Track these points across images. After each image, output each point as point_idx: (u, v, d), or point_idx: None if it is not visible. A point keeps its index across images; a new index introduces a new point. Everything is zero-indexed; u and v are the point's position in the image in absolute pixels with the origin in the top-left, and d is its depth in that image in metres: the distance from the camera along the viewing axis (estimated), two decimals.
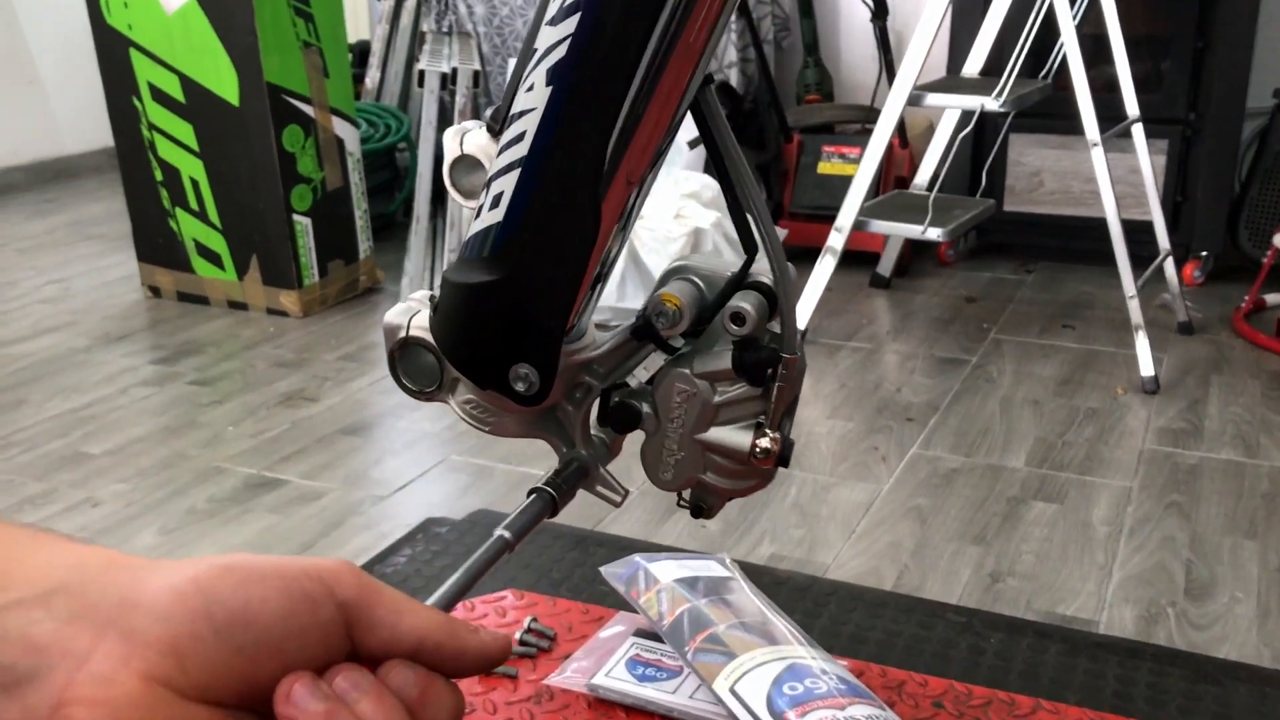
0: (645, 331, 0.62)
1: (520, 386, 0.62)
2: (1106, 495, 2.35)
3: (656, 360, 0.63)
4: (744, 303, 0.59)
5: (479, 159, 0.82)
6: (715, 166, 0.61)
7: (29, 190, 5.03)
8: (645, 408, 0.63)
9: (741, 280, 0.61)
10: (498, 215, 0.59)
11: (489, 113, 0.81)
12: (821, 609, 0.90)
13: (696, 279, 0.62)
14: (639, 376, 0.64)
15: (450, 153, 0.84)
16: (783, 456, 0.61)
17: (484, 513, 1.15)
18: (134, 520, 2.29)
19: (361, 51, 4.52)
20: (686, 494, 0.66)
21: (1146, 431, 2.64)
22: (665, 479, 0.64)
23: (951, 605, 0.90)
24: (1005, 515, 2.27)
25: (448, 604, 0.52)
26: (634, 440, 0.65)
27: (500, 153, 0.60)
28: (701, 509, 0.66)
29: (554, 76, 0.55)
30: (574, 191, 0.58)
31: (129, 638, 0.37)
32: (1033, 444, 2.58)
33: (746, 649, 0.75)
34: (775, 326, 0.61)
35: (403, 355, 0.67)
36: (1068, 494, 2.36)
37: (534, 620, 0.89)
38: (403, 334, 0.65)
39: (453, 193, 0.86)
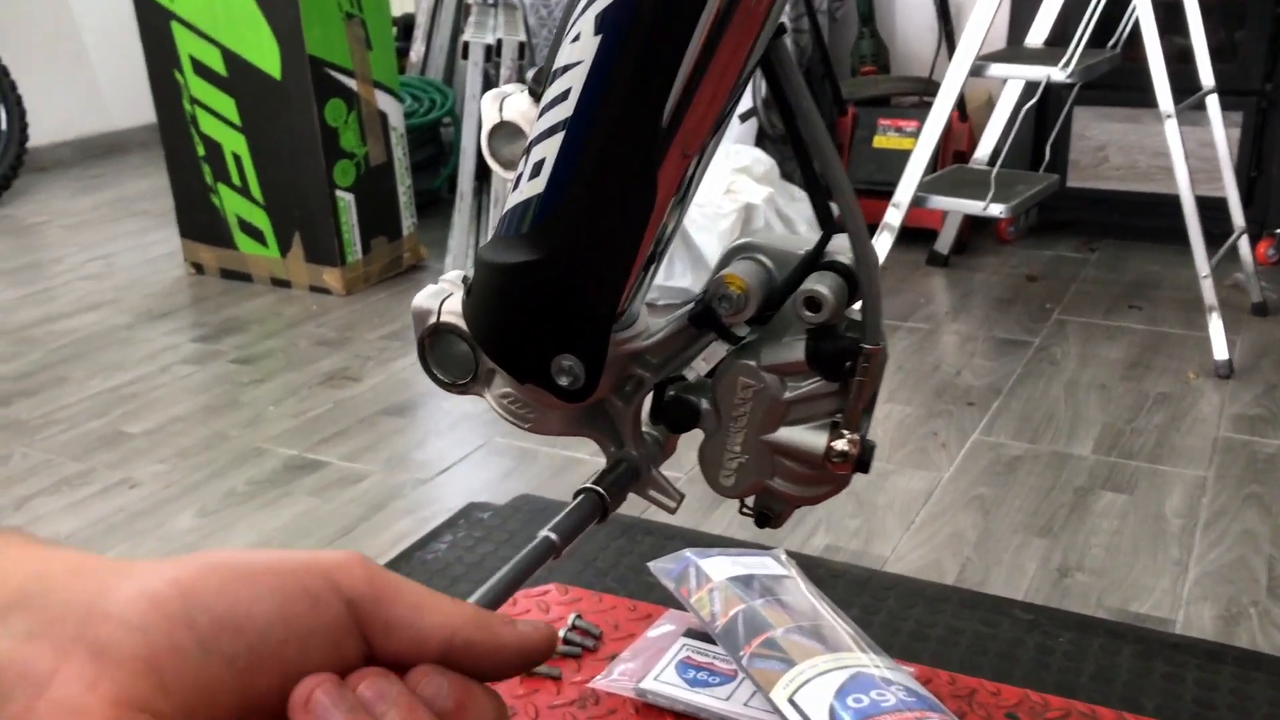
0: (705, 318, 0.54)
1: (564, 380, 0.55)
2: (1180, 486, 2.24)
3: (718, 351, 0.56)
4: (820, 285, 0.52)
5: (520, 125, 0.74)
6: (787, 128, 0.53)
7: (76, 166, 5.02)
8: (704, 404, 0.56)
9: (816, 260, 0.54)
10: (539, 185, 0.52)
11: (531, 74, 0.73)
12: (880, 604, 0.86)
13: (764, 259, 0.55)
14: (698, 369, 0.57)
15: (489, 119, 0.76)
16: (861, 461, 0.54)
17: (527, 498, 1.11)
18: (172, 502, 2.24)
19: (405, 25, 4.46)
20: (750, 499, 0.59)
21: (1221, 418, 2.52)
22: (726, 485, 0.58)
23: (1017, 602, 0.85)
24: (1072, 506, 2.17)
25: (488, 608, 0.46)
26: (688, 440, 0.59)
27: (541, 115, 0.53)
28: (767, 517, 0.59)
29: (604, 23, 0.48)
30: (626, 156, 0.51)
31: (98, 655, 0.32)
32: (1100, 430, 2.47)
33: (806, 656, 0.71)
34: (854, 313, 0.54)
35: (433, 343, 0.60)
36: (1138, 484, 2.24)
37: (578, 617, 0.85)
38: (433, 320, 0.59)
39: (492, 163, 0.78)
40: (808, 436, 0.55)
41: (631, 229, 0.52)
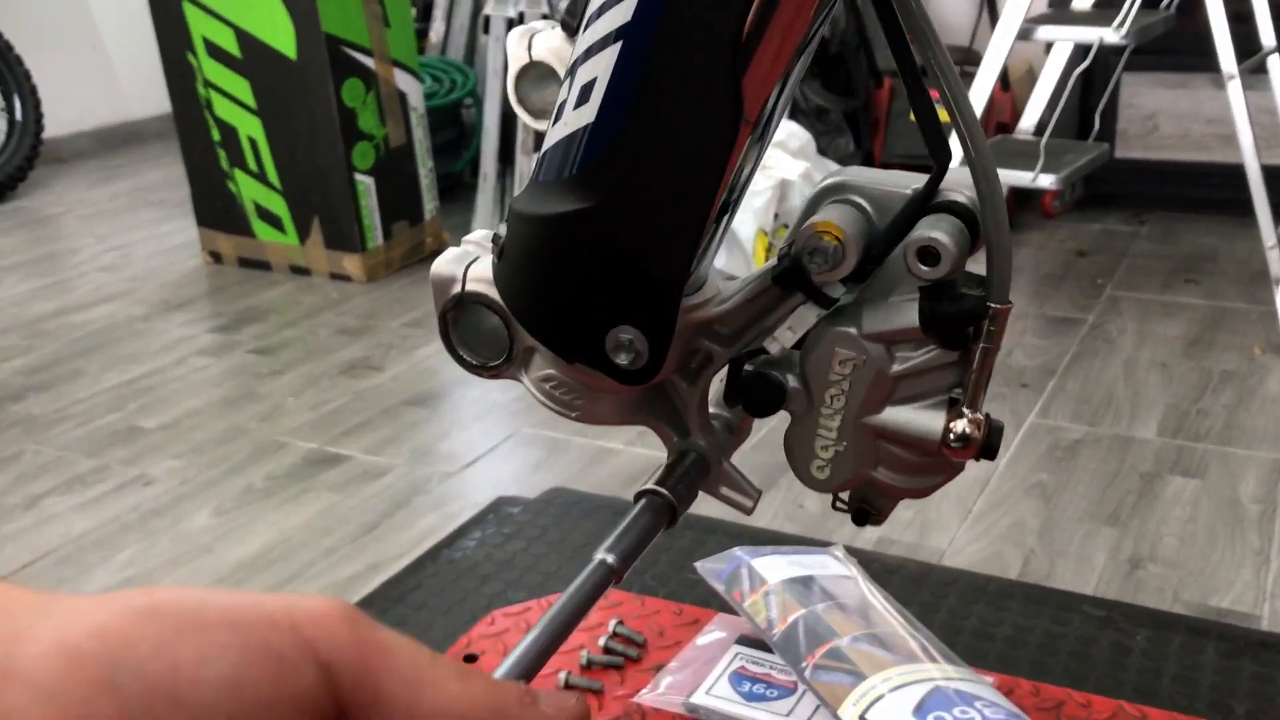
0: (793, 277, 0.44)
1: (622, 359, 0.44)
2: (1254, 469, 2.10)
3: (806, 317, 0.45)
4: (936, 231, 0.41)
5: (553, 65, 0.63)
6: (887, 31, 0.41)
7: (94, 157, 4.94)
8: (792, 381, 0.47)
9: (928, 200, 0.43)
10: (588, 113, 0.41)
11: (564, 5, 0.63)
12: (940, 601, 0.81)
13: (862, 201, 0.44)
14: (782, 339, 0.45)
15: (516, 60, 0.65)
16: (988, 445, 0.45)
17: (559, 490, 1.06)
18: (188, 500, 2.14)
19: (425, 4, 4.35)
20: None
21: None
22: (820, 478, 0.48)
23: (1088, 596, 0.81)
24: (1140, 492, 2.04)
25: (527, 670, 0.37)
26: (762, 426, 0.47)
27: (586, 29, 0.42)
28: (866, 513, 0.50)
29: None
30: (705, 61, 0.40)
31: None
32: (1164, 412, 2.33)
33: (878, 668, 0.65)
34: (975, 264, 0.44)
35: (458, 317, 0.49)
36: (1209, 468, 2.11)
37: (620, 623, 0.79)
38: (457, 289, 0.48)
39: (520, 110, 0.67)
40: (921, 418, 0.45)
41: (710, 160, 0.40)
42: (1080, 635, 0.77)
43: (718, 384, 0.49)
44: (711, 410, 0.50)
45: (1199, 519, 1.94)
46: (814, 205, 0.45)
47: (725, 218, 0.45)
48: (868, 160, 3.63)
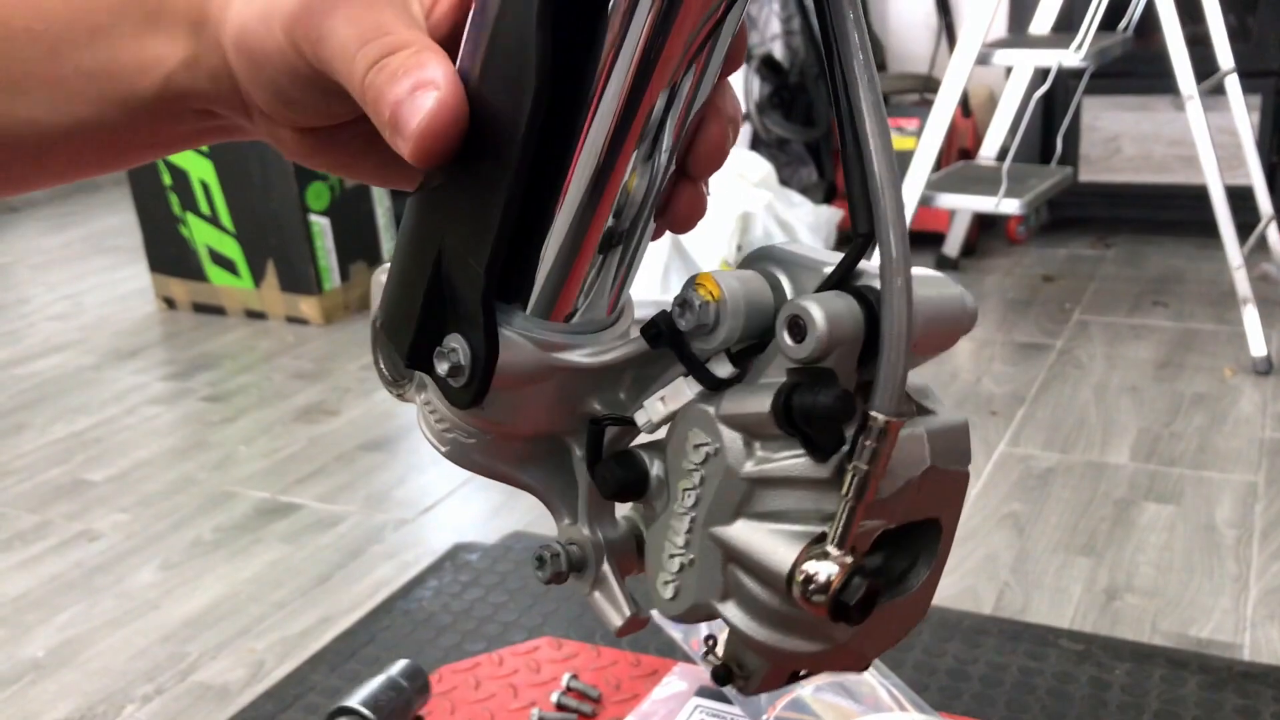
0: (659, 331, 0.36)
1: (443, 368, 0.37)
2: (1229, 493, 2.05)
3: (681, 391, 0.37)
4: (812, 303, 0.33)
5: None
6: (830, 79, 0.35)
7: (48, 204, 4.86)
8: (657, 468, 0.38)
9: (844, 278, 0.35)
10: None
11: None
12: (913, 640, 0.80)
13: (776, 270, 0.37)
14: (650, 412, 0.37)
15: None
16: (840, 604, 0.33)
17: (518, 535, 1.04)
18: (134, 555, 2.06)
19: None
20: (708, 631, 0.42)
21: (1265, 418, 2.34)
22: (665, 596, 0.37)
23: (1064, 630, 0.80)
24: (1114, 520, 1.99)
25: None
26: None
27: None
28: (729, 671, 0.39)
29: None
30: (517, 20, 0.33)
31: None
32: (1136, 436, 2.29)
33: (841, 718, 0.66)
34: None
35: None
36: (1183, 493, 2.06)
37: (573, 678, 0.78)
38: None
39: None
40: (772, 542, 0.34)
41: (513, 133, 0.33)
42: (1058, 671, 0.75)
43: None
44: (628, 513, 0.42)
45: (1175, 546, 1.90)
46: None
47: (623, 247, 0.38)
48: (831, 191, 3.59)
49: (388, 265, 0.43)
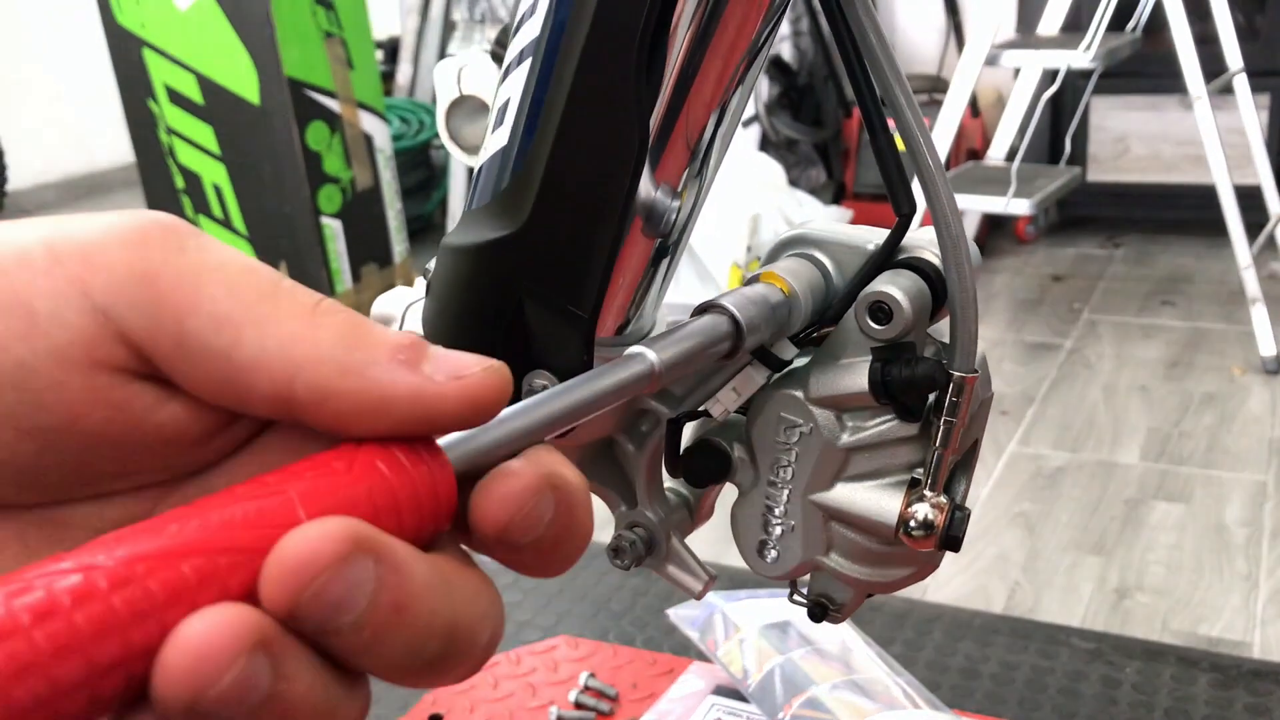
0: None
1: None
2: (1239, 492, 2.06)
3: (753, 379, 0.40)
4: (891, 286, 0.37)
5: (484, 100, 0.58)
6: (851, 74, 0.38)
7: (59, 208, 4.89)
8: (738, 451, 0.42)
9: (889, 256, 0.39)
10: (503, 136, 0.38)
11: (493, 35, 0.60)
12: (924, 639, 0.80)
13: (820, 254, 0.40)
14: (725, 403, 0.40)
15: (445, 94, 0.60)
16: (949, 535, 0.39)
17: None
18: None
19: (391, 48, 4.34)
20: (804, 581, 0.44)
21: (1274, 417, 2.34)
22: (768, 561, 0.42)
23: (1075, 629, 0.80)
24: (1125, 519, 1.99)
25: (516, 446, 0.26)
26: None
27: (508, 55, 0.39)
28: (824, 608, 0.43)
29: None
30: (607, 81, 0.35)
31: None
32: (1146, 436, 2.29)
33: (857, 716, 0.65)
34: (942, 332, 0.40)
35: None
36: (1193, 492, 2.07)
37: (591, 677, 0.78)
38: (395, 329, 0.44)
39: (451, 145, 0.62)
40: (875, 498, 0.40)
41: (612, 186, 0.36)
42: (1069, 670, 0.76)
43: None
44: (671, 485, 0.45)
45: (1185, 545, 1.91)
46: (772, 258, 0.42)
47: (665, 260, 0.41)
48: (840, 191, 3.61)
49: (392, 293, 0.45)
